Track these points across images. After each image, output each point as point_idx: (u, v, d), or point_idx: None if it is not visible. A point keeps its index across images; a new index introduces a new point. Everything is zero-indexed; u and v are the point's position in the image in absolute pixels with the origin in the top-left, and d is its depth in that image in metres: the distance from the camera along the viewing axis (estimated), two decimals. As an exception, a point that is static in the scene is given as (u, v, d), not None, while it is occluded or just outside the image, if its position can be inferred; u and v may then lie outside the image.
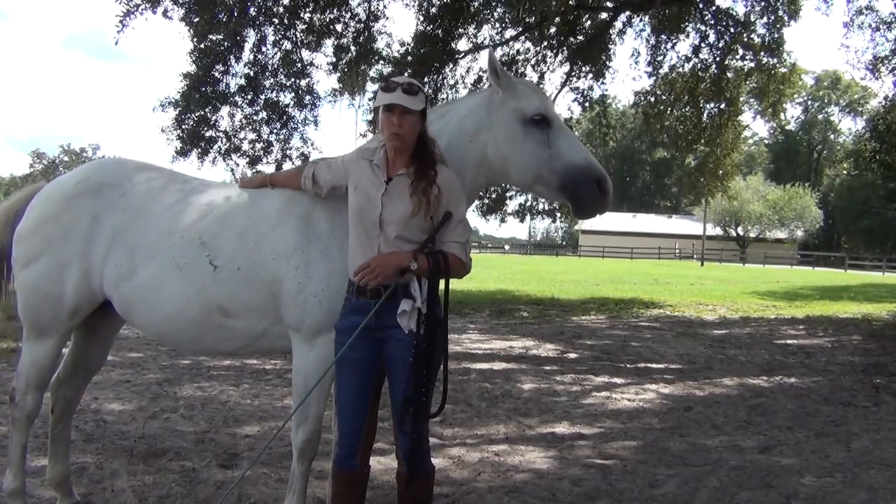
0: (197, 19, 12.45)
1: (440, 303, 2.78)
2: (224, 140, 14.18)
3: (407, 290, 2.71)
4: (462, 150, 3.02)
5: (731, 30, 14.90)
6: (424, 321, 2.71)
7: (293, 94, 14.41)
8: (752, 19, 14.90)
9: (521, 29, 15.20)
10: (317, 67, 14.93)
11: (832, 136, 78.02)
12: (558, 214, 18.10)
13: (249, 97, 14.12)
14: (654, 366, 8.47)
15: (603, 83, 16.33)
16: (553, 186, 2.95)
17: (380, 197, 2.77)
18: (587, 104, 16.76)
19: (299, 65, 14.14)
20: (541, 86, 3.06)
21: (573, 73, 16.16)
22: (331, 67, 14.60)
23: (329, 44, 14.34)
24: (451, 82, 15.96)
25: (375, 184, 2.81)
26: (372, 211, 2.76)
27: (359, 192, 2.82)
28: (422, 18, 14.66)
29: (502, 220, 17.60)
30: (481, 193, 16.94)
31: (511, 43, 15.83)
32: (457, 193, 2.83)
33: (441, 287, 2.80)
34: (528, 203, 17.24)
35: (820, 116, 77.34)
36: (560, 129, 2.97)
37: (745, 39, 14.83)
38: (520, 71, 16.24)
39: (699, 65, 15.60)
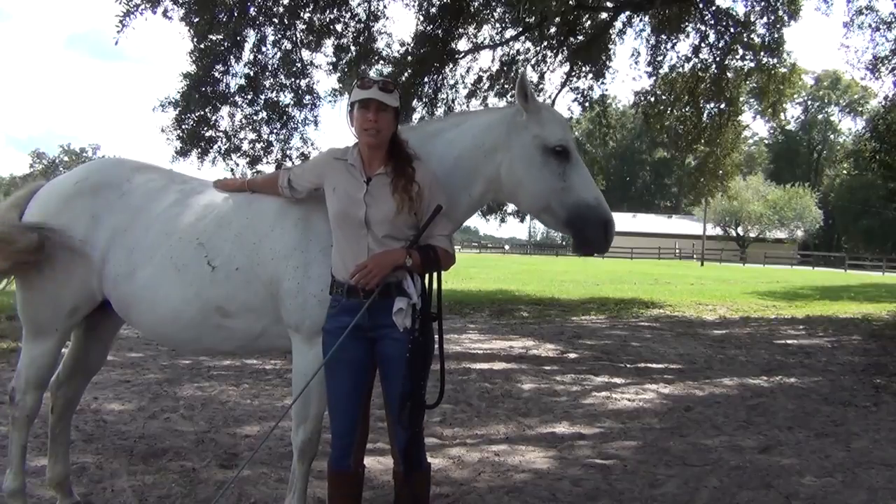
0: (197, 19, 12.45)
1: (430, 298, 2.79)
2: (224, 140, 14.19)
3: (400, 287, 2.72)
4: (474, 162, 3.01)
5: (731, 30, 14.91)
6: (419, 317, 2.71)
7: (293, 94, 14.42)
8: (752, 19, 14.91)
9: (521, 29, 15.21)
10: (317, 67, 14.96)
11: (832, 136, 78.05)
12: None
13: (249, 97, 14.13)
14: (654, 366, 8.47)
15: (603, 83, 16.37)
16: (560, 219, 2.94)
17: (362, 197, 2.77)
18: (587, 104, 16.77)
19: (299, 65, 14.15)
20: (556, 109, 2.98)
21: (573, 73, 16.18)
22: (331, 67, 14.63)
23: (329, 44, 14.38)
24: (451, 82, 15.99)
25: (355, 185, 2.80)
26: (356, 212, 2.75)
27: (339, 194, 2.81)
28: (422, 18, 14.68)
29: (502, 220, 17.59)
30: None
31: (511, 43, 15.85)
32: (437, 187, 2.83)
33: (429, 281, 2.81)
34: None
35: (820, 116, 77.37)
36: (577, 163, 2.96)
37: (745, 39, 14.83)
38: (520, 71, 16.23)
39: (699, 65, 15.61)
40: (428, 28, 14.65)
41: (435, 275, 2.82)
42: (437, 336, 2.84)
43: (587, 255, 3.09)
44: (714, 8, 14.98)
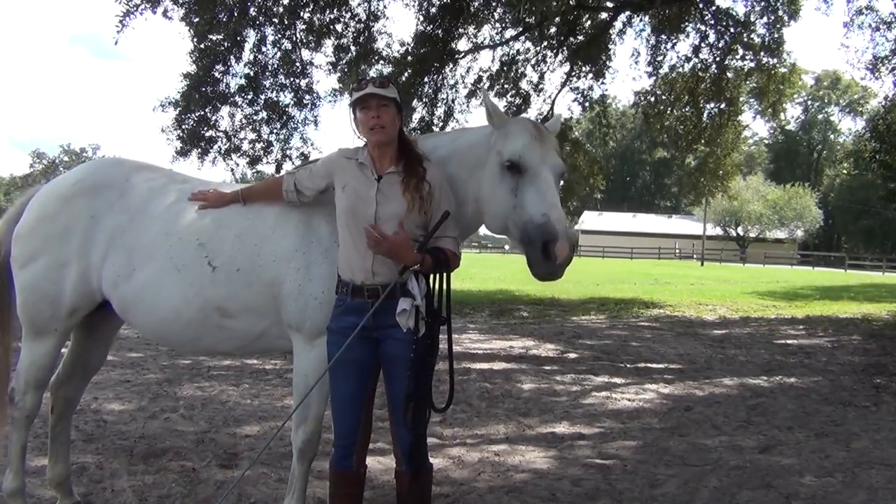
0: (197, 19, 12.46)
1: (440, 299, 2.78)
2: (224, 140, 14.20)
3: (405, 288, 2.71)
4: (462, 182, 2.93)
5: (731, 30, 14.90)
6: (424, 318, 2.71)
7: (293, 94, 14.43)
8: (752, 19, 14.91)
9: (521, 29, 15.21)
10: (317, 67, 14.97)
11: (832, 136, 78.02)
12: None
13: (249, 97, 14.14)
14: (654, 366, 8.47)
15: (603, 83, 16.37)
16: (516, 239, 2.74)
17: (374, 195, 2.76)
18: (587, 104, 16.77)
19: (299, 65, 14.15)
20: (528, 122, 2.67)
21: (573, 73, 16.17)
22: (331, 67, 14.62)
23: (329, 44, 14.38)
24: (451, 82, 15.98)
25: (366, 183, 2.80)
26: (366, 209, 2.75)
27: (349, 192, 2.80)
28: (422, 18, 14.67)
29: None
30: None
31: (511, 43, 15.85)
32: (446, 188, 2.84)
33: (438, 283, 2.80)
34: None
35: (820, 116, 77.34)
36: (533, 177, 2.72)
37: (745, 39, 14.83)
38: (520, 71, 16.24)
39: (699, 65, 15.61)
40: (428, 28, 14.65)
41: (444, 277, 2.79)
42: (445, 339, 2.84)
43: (540, 280, 2.75)
44: (714, 8, 14.97)
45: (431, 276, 2.79)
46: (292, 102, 14.48)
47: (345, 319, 2.76)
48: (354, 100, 2.78)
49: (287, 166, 14.22)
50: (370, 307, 2.70)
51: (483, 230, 3.21)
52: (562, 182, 2.92)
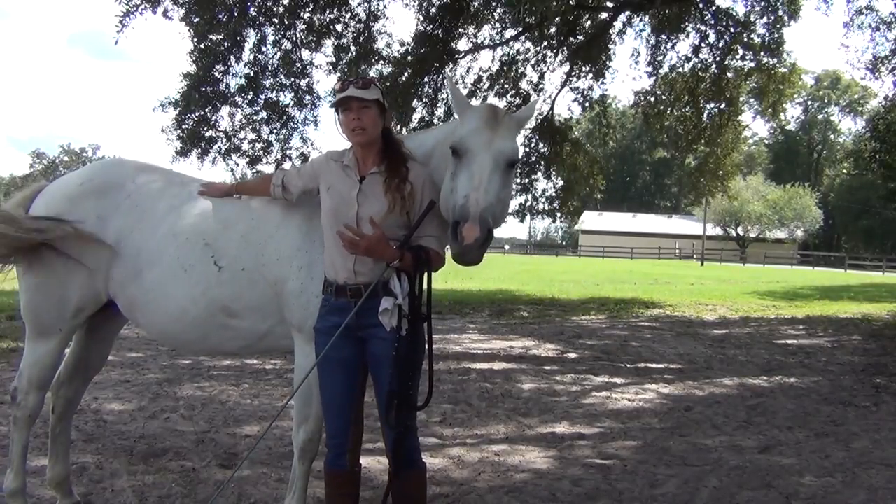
0: (197, 19, 12.47)
1: (420, 298, 2.77)
2: (224, 140, 14.22)
3: (387, 287, 2.72)
4: (440, 173, 2.86)
5: (731, 30, 14.91)
6: (406, 317, 2.71)
7: (293, 94, 14.44)
8: (752, 19, 14.91)
9: (521, 29, 15.21)
10: (317, 67, 14.98)
11: (832, 136, 78.04)
12: (558, 214, 18.11)
13: (249, 97, 14.15)
14: (654, 366, 8.47)
15: (603, 83, 16.38)
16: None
17: (355, 196, 2.78)
18: (587, 104, 16.78)
19: (299, 65, 14.16)
20: (488, 107, 2.55)
21: (573, 73, 16.18)
22: (331, 67, 14.63)
23: (329, 44, 14.38)
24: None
25: (349, 183, 2.81)
26: (347, 210, 2.76)
27: (332, 193, 2.83)
28: (422, 18, 14.68)
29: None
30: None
31: (511, 43, 15.85)
32: (430, 188, 2.83)
33: (419, 282, 2.78)
34: (528, 203, 17.25)
35: (820, 116, 77.35)
36: (470, 161, 2.60)
37: (745, 39, 14.84)
38: (520, 71, 16.25)
39: (699, 65, 15.61)
40: (428, 28, 14.65)
41: (425, 275, 2.77)
42: (437, 338, 2.84)
43: (457, 262, 2.62)
44: (714, 8, 14.98)
45: (416, 276, 2.76)
46: (292, 102, 14.50)
47: (329, 319, 2.78)
48: (335, 102, 2.79)
49: (287, 166, 14.24)
50: (353, 307, 2.71)
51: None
52: (515, 167, 2.77)
